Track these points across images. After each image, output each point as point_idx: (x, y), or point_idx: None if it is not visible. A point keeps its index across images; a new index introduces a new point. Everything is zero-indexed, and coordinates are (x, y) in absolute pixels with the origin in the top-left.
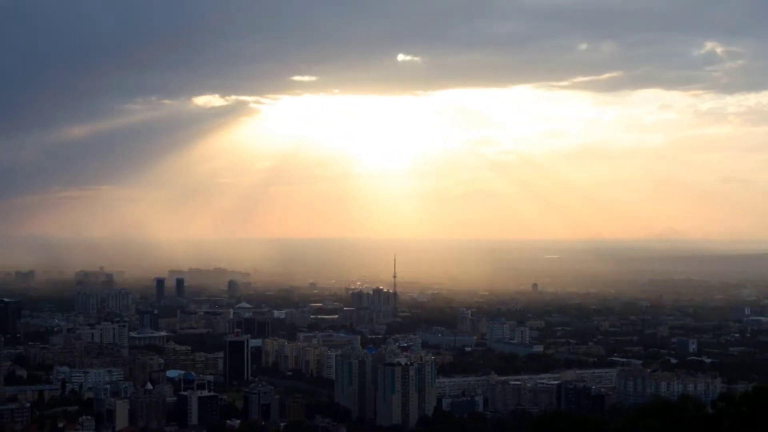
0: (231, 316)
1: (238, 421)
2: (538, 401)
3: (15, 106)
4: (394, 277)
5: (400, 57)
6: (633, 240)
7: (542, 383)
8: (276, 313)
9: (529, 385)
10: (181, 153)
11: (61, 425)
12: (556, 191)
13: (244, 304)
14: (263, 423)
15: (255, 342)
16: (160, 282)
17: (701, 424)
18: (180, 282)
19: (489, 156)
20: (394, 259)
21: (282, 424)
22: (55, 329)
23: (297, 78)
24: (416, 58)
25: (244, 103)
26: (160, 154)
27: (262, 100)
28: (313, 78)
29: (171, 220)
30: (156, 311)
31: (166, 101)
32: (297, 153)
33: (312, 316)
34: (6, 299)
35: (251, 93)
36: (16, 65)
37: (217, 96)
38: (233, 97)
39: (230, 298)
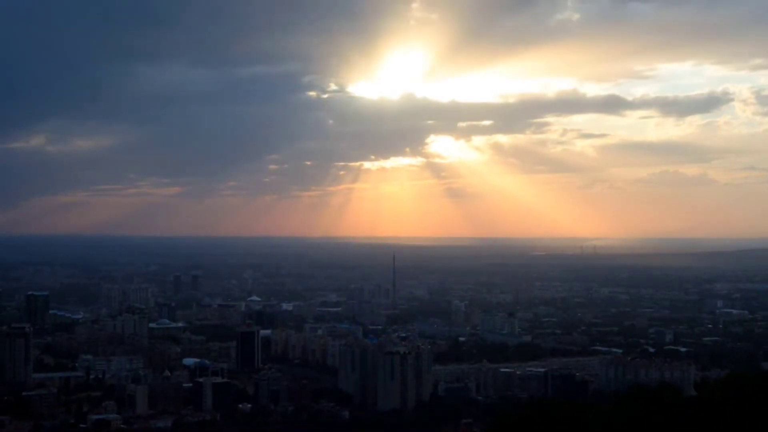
0: (243, 309)
1: (249, 406)
2: (526, 387)
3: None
4: (394, 273)
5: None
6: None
7: (530, 370)
8: (284, 306)
9: (518, 372)
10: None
11: (85, 409)
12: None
13: (255, 298)
14: (272, 407)
15: (265, 332)
16: (177, 277)
17: (679, 409)
18: (195, 277)
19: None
20: (393, 257)
21: (290, 408)
22: (80, 320)
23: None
24: None
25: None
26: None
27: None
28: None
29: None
30: (173, 304)
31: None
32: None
33: (318, 309)
34: (36, 292)
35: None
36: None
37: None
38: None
39: (242, 292)
